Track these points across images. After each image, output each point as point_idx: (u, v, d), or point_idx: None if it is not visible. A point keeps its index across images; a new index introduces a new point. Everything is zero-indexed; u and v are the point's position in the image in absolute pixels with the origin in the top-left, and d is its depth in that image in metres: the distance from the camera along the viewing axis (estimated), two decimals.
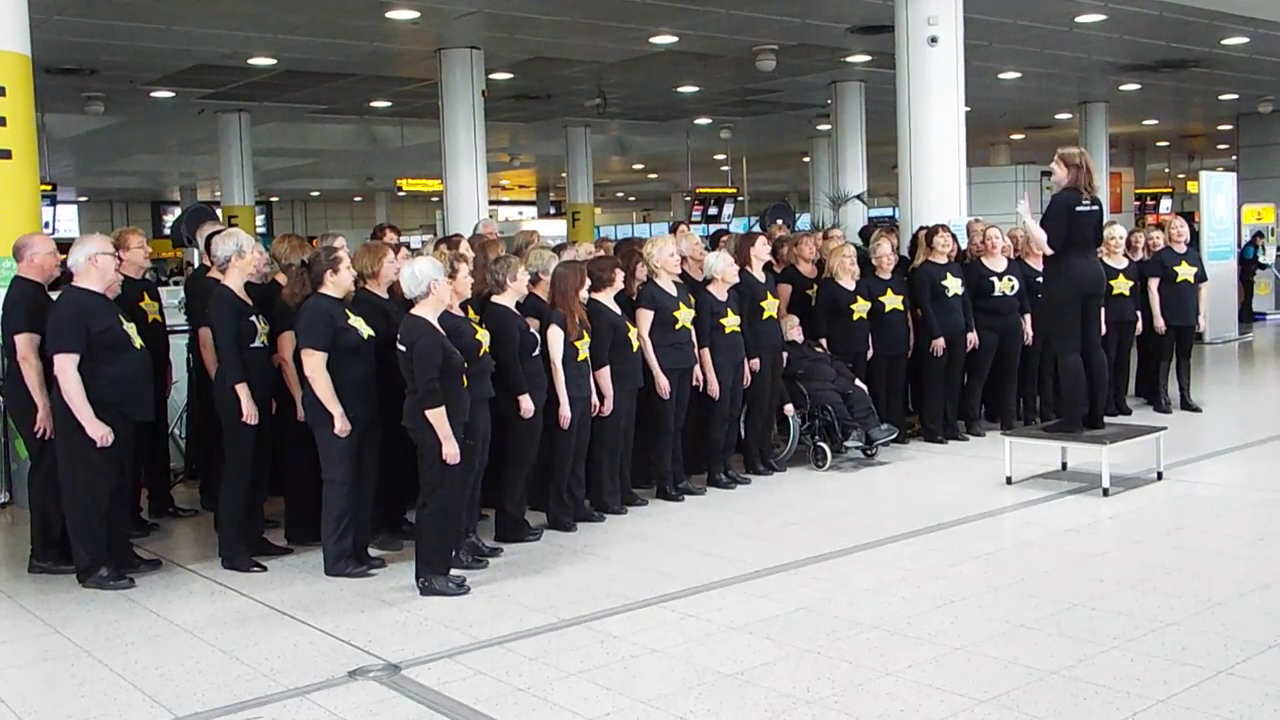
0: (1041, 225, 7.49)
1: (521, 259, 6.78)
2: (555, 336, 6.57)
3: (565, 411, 6.58)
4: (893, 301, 8.76)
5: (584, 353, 6.72)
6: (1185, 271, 9.94)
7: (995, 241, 9.14)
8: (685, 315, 7.37)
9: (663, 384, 7.25)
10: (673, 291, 7.41)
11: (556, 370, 6.56)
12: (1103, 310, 8.83)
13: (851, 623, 5.00)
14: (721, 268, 7.66)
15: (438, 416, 5.44)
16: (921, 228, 9.55)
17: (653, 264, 7.41)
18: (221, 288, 6.18)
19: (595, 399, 6.84)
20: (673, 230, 13.23)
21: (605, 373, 6.90)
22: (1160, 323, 9.86)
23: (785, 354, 8.15)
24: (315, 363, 5.80)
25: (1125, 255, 9.82)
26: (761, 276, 8.06)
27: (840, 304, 8.57)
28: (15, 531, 7.15)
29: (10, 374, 6.19)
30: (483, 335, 6.07)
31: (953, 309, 8.87)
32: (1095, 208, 7.45)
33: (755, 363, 7.83)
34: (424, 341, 5.48)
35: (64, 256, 6.16)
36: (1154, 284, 9.91)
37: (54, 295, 6.17)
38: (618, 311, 7.03)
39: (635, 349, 7.09)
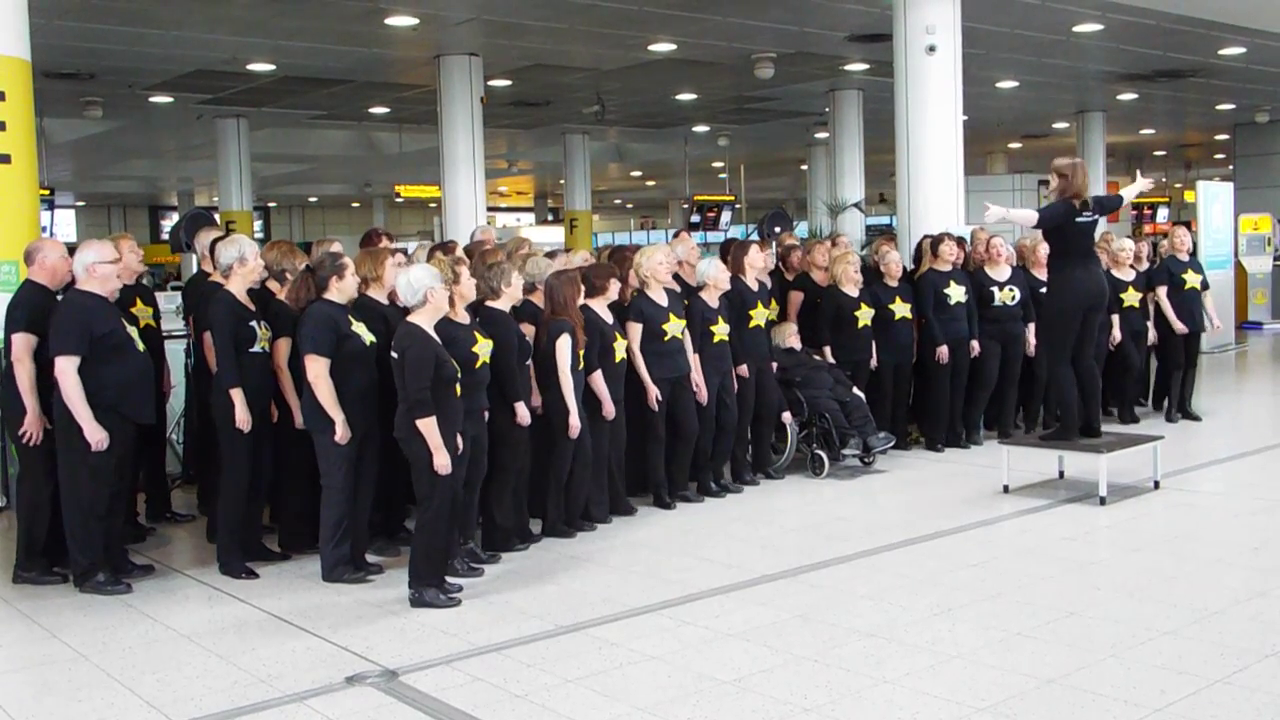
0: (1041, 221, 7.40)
1: (514, 264, 6.75)
2: (565, 345, 6.52)
3: (574, 421, 6.55)
4: (901, 309, 8.77)
5: (582, 362, 6.70)
6: (1191, 279, 10.00)
7: (1000, 250, 9.15)
8: (674, 326, 7.31)
9: (653, 395, 7.24)
10: (663, 301, 7.35)
11: (565, 379, 6.52)
12: (1116, 320, 8.85)
13: (849, 630, 5.00)
14: (714, 274, 7.65)
15: (428, 426, 5.36)
16: (926, 236, 9.56)
17: (642, 273, 7.37)
18: (222, 291, 6.17)
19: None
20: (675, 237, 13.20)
21: (598, 376, 6.85)
22: (1180, 325, 9.87)
23: (776, 363, 8.14)
24: (318, 369, 5.80)
25: (1132, 267, 9.86)
26: (755, 285, 8.04)
27: (844, 311, 8.57)
28: (12, 536, 7.13)
29: (5, 376, 6.09)
30: (480, 348, 5.95)
31: (956, 316, 8.87)
32: (1093, 218, 7.45)
33: (744, 369, 7.82)
34: (416, 350, 5.42)
35: None
36: (1163, 292, 9.95)
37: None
38: (609, 320, 7.00)
39: (619, 359, 7.02)
